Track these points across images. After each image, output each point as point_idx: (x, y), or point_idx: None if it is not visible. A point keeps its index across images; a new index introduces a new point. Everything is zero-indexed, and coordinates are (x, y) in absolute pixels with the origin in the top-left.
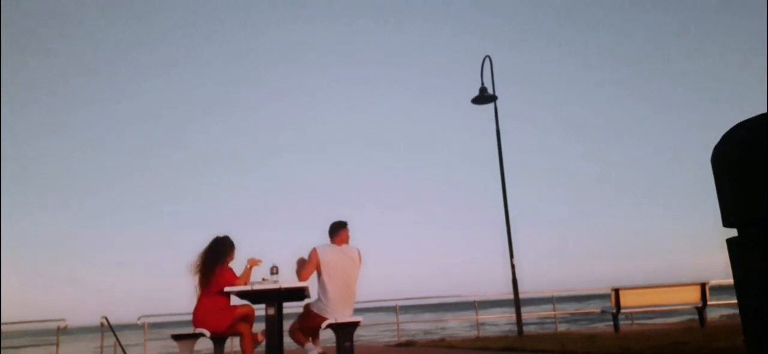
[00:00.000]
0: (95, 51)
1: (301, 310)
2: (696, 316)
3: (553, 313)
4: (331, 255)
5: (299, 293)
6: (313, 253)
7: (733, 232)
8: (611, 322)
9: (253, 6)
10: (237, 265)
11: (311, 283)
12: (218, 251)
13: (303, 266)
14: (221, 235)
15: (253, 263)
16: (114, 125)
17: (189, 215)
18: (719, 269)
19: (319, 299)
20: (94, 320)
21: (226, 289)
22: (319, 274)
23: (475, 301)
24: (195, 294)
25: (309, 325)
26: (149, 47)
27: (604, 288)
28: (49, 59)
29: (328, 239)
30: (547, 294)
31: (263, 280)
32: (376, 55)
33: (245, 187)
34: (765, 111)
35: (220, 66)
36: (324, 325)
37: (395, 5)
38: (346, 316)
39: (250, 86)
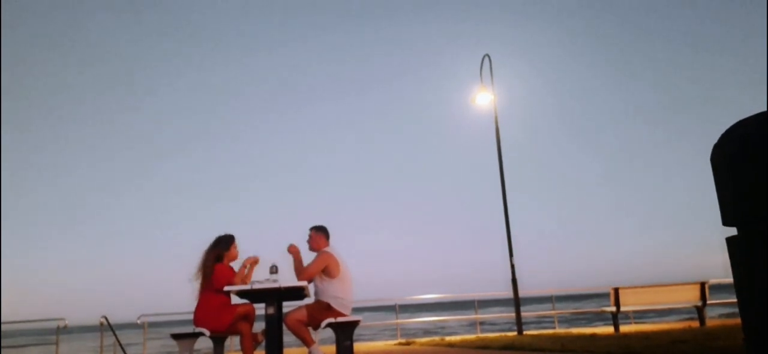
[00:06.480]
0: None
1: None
2: (695, 316)
3: (552, 312)
4: (341, 257)
5: (299, 292)
6: (329, 256)
7: (732, 231)
8: (611, 322)
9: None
10: (238, 262)
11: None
12: (218, 249)
13: (311, 265)
14: (223, 234)
15: (251, 261)
16: (114, 126)
17: (190, 214)
18: (719, 268)
19: (338, 297)
20: (94, 319)
21: (226, 287)
22: (335, 274)
23: (474, 301)
24: (195, 293)
25: (321, 318)
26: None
27: (604, 287)
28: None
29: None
30: (547, 293)
31: (271, 271)
32: (375, 56)
33: (247, 187)
34: (764, 109)
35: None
36: (324, 323)
37: (399, 5)
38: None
39: (254, 87)
